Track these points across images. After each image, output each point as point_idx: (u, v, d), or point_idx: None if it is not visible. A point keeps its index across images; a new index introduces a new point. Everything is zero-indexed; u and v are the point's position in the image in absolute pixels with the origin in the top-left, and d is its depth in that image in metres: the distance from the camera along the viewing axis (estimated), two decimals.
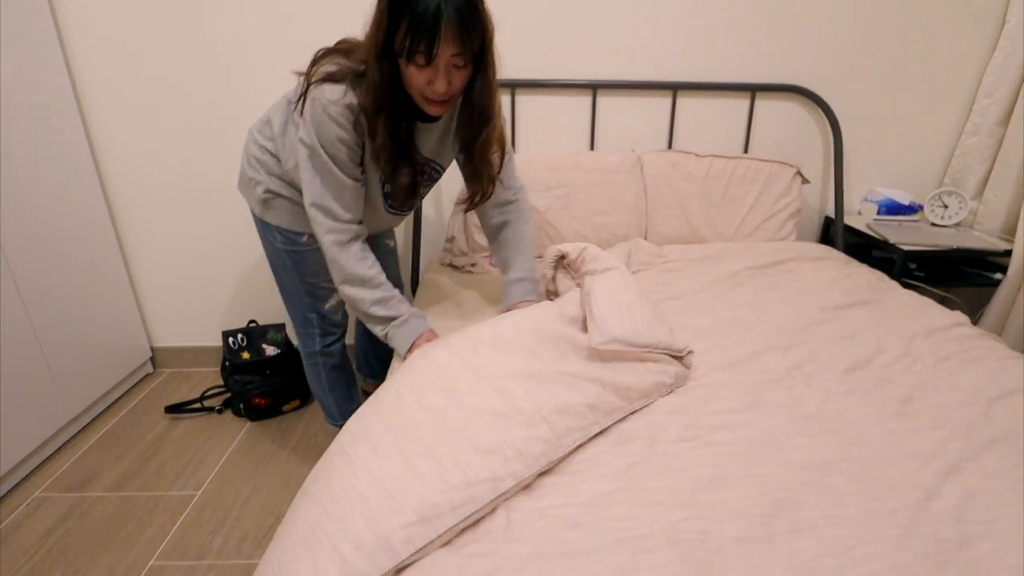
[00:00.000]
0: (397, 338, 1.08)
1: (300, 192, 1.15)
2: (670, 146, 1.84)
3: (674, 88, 1.77)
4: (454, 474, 0.70)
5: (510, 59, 1.73)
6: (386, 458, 0.71)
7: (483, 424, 0.76)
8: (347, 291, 1.09)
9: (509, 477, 0.72)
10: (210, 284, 1.97)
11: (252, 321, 1.84)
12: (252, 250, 1.92)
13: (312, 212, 1.05)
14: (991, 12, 1.73)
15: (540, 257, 1.37)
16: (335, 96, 0.95)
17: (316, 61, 1.00)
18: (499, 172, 1.16)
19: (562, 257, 1.19)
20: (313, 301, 1.29)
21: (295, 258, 1.23)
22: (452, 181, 1.70)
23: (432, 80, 0.91)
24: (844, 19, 1.73)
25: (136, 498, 1.45)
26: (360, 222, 1.09)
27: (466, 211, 1.24)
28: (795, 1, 1.71)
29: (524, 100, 1.79)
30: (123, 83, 1.72)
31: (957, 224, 1.80)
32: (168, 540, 1.32)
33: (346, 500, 0.66)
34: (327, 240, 1.06)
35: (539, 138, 1.83)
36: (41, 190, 1.57)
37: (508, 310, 1.19)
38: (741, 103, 1.81)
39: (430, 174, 1.18)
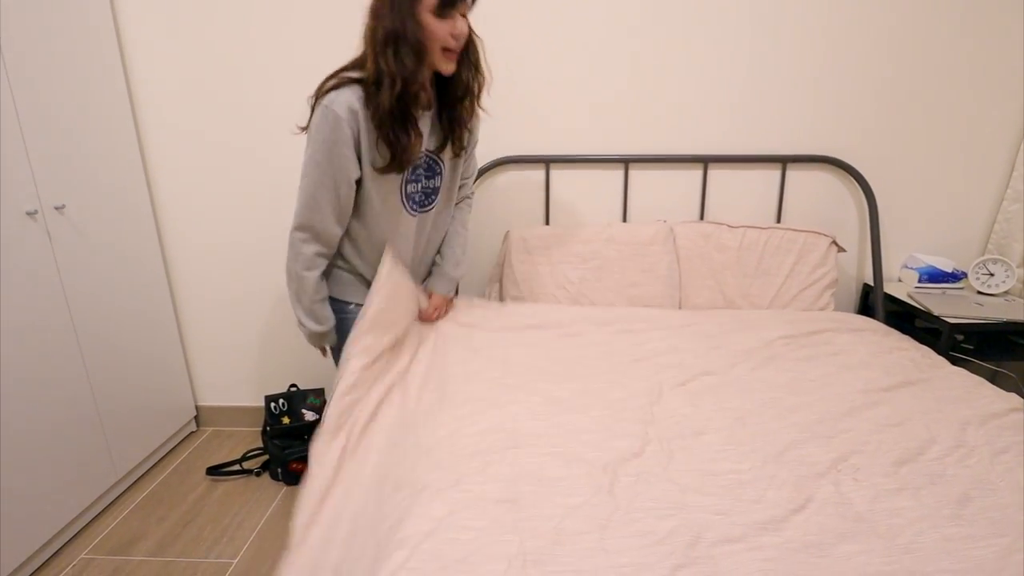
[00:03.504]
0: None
1: (345, 260, 1.25)
2: (702, 217, 1.86)
3: (704, 161, 1.81)
4: None
5: (545, 136, 1.82)
6: None
7: None
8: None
9: None
10: (254, 346, 2.05)
11: (293, 385, 1.90)
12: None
13: (297, 234, 1.18)
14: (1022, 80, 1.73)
15: None
16: (339, 97, 1.09)
17: (320, 87, 1.14)
18: (468, 129, 1.29)
19: None
20: None
21: (339, 322, 1.29)
22: None
23: (453, 26, 1.09)
24: (873, 90, 1.75)
25: (176, 564, 1.48)
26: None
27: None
28: (823, 73, 1.74)
29: (558, 175, 1.85)
30: (187, 149, 1.87)
31: (1005, 292, 1.74)
32: None
33: None
34: (308, 252, 1.19)
35: (573, 211, 1.88)
36: (107, 253, 1.69)
37: (428, 293, 1.45)
38: (772, 174, 1.83)
39: (430, 166, 1.28)
